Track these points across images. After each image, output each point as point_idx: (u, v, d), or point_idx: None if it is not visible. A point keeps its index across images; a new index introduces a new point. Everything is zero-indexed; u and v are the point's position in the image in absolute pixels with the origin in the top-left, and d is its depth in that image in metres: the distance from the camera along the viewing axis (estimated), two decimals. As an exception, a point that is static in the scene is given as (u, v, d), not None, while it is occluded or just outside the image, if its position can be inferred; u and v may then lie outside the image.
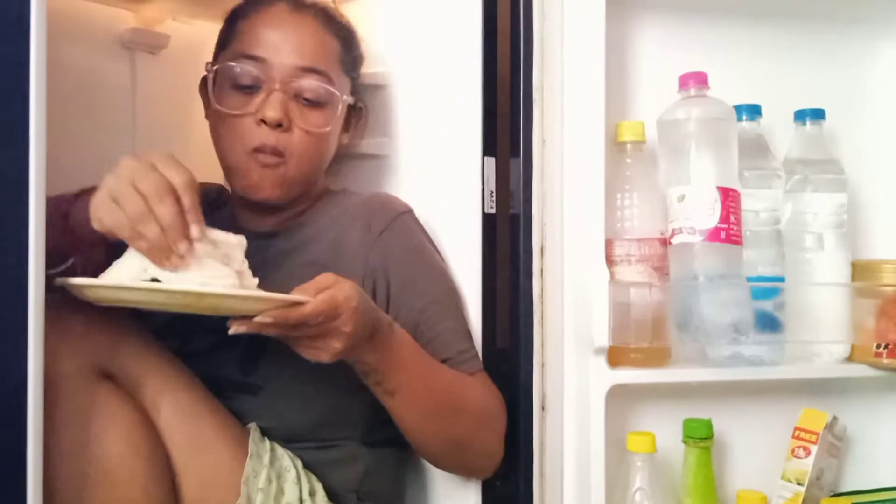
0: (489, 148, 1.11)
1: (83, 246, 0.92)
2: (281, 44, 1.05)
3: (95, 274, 0.84)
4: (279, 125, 1.03)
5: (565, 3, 1.07)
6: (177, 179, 0.83)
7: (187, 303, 0.81)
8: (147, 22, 1.39)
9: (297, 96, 1.05)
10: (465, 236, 1.11)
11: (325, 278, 0.86)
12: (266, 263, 1.06)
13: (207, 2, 1.30)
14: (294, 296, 0.82)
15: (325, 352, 0.86)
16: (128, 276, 0.83)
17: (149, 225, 0.81)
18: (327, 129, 1.07)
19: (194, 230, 0.83)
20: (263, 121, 1.03)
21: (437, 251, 1.12)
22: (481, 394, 1.03)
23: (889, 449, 1.21)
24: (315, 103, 1.06)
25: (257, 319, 0.80)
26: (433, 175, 1.18)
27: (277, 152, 1.04)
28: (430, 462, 1.06)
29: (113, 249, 0.88)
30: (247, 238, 1.10)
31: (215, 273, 0.84)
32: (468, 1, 1.11)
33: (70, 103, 1.17)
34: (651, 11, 1.16)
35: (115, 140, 1.35)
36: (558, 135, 1.07)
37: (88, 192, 0.87)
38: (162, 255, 0.82)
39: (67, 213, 0.91)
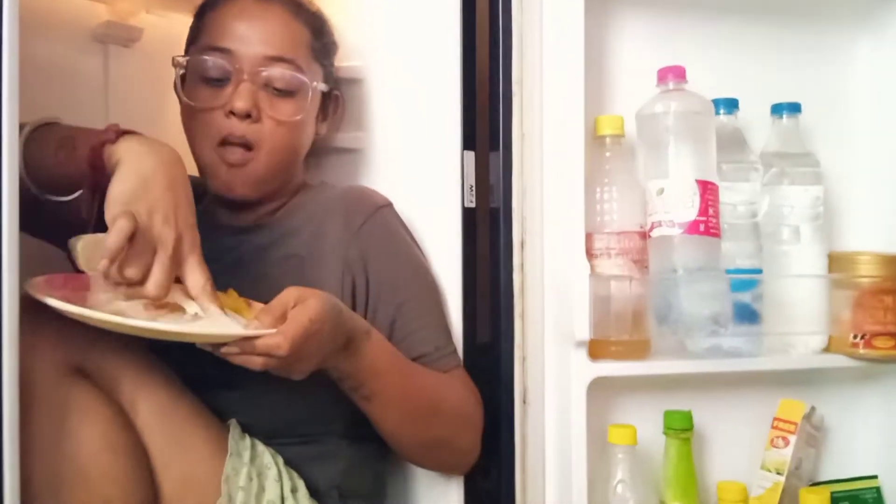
0: (468, 142, 1.11)
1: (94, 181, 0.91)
2: (248, 34, 1.04)
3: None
4: (248, 116, 1.02)
5: (544, -4, 1.07)
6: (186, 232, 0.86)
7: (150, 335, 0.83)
8: (120, 15, 1.36)
9: (267, 86, 1.04)
10: (445, 230, 1.10)
11: (289, 295, 0.85)
12: (244, 258, 1.05)
13: (181, -5, 1.28)
14: (257, 331, 0.82)
15: (295, 373, 0.86)
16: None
17: (134, 269, 0.82)
18: (298, 117, 1.06)
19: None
20: (233, 112, 1.02)
21: (417, 245, 1.11)
22: (458, 392, 1.03)
23: (866, 438, 1.23)
24: (285, 92, 1.05)
25: (223, 350, 0.81)
26: (412, 169, 1.17)
27: (247, 144, 1.03)
28: (408, 460, 1.07)
29: None
30: (224, 233, 1.10)
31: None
32: (446, -7, 1.10)
33: (42, 97, 1.15)
34: (630, 6, 1.17)
35: (88, 134, 1.33)
36: (538, 129, 1.07)
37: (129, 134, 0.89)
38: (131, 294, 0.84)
39: (101, 143, 0.89)
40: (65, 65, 1.29)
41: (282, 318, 0.83)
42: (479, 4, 1.11)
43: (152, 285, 0.82)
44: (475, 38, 1.11)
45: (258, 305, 0.90)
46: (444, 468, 1.08)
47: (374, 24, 1.24)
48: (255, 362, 0.83)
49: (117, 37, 1.36)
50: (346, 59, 1.22)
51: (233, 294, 0.93)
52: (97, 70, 1.33)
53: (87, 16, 1.32)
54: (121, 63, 1.35)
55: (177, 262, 0.85)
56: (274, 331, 0.81)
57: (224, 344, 0.82)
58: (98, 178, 0.89)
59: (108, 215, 0.82)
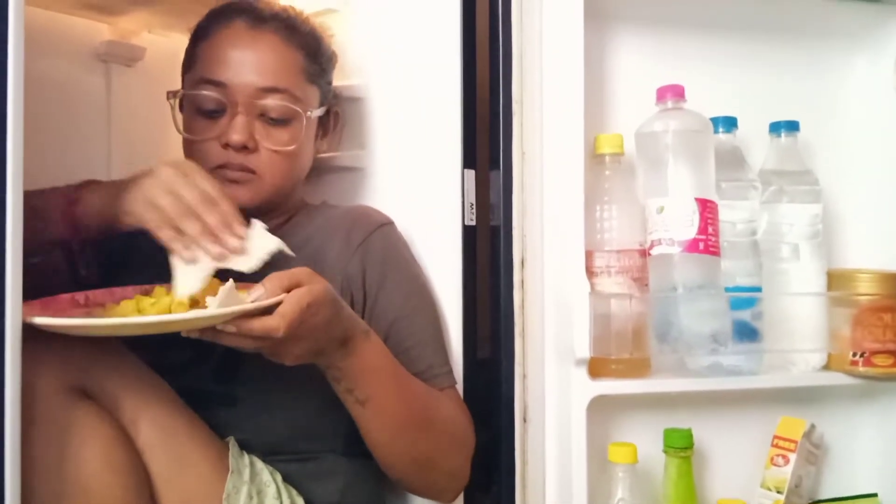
0: (469, 160, 1.11)
1: (80, 236, 0.98)
2: (240, 65, 1.04)
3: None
4: (245, 147, 1.03)
5: (544, 16, 1.08)
6: (212, 190, 0.92)
7: (136, 330, 0.84)
8: (123, 34, 1.38)
9: (262, 115, 1.05)
10: (446, 248, 1.11)
11: (300, 273, 0.85)
12: (244, 276, 1.05)
13: (183, 14, 1.29)
14: (258, 303, 0.81)
15: (286, 356, 0.86)
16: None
17: (191, 223, 0.90)
18: (292, 147, 1.06)
19: (241, 230, 0.92)
20: (229, 144, 1.03)
21: (417, 263, 1.12)
22: (450, 411, 1.03)
23: (865, 456, 1.22)
24: (280, 121, 1.06)
25: (219, 327, 0.80)
26: (413, 188, 1.18)
27: (248, 170, 1.04)
28: (396, 480, 1.04)
29: (106, 244, 0.98)
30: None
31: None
32: (447, 13, 1.11)
33: (46, 116, 1.16)
34: (629, 25, 1.18)
35: (90, 153, 1.34)
36: (538, 147, 1.08)
37: (93, 184, 0.98)
38: (211, 244, 0.91)
39: (75, 199, 0.97)
40: (67, 83, 1.30)
41: (287, 288, 0.83)
42: (479, 23, 1.12)
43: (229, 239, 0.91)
44: (475, 56, 1.12)
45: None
46: (431, 491, 1.06)
47: (375, 42, 1.25)
48: (249, 343, 0.82)
49: (120, 56, 1.37)
50: (347, 78, 1.23)
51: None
52: (100, 89, 1.34)
53: (89, 35, 1.33)
54: (123, 82, 1.36)
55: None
56: (273, 300, 0.82)
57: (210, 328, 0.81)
58: (76, 232, 0.97)
59: (129, 207, 0.91)
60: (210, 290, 0.90)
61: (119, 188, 0.94)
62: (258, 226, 0.94)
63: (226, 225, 0.91)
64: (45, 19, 1.25)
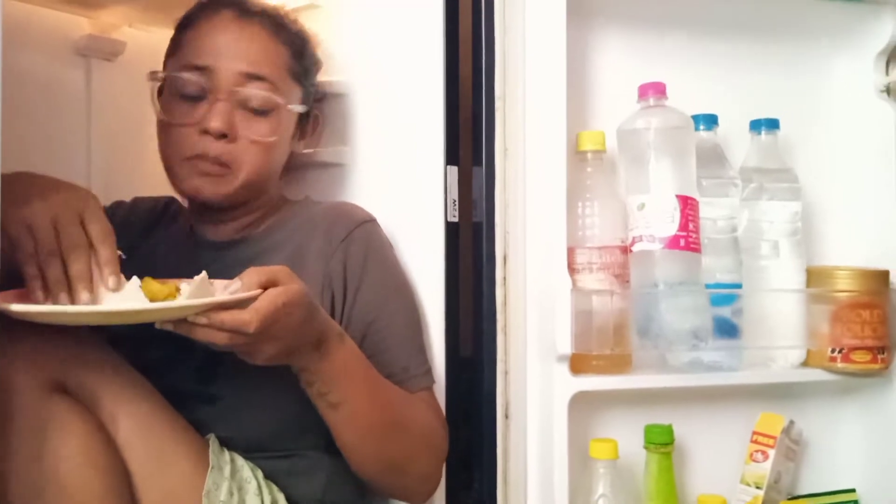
0: (452, 157, 1.11)
1: None
2: (225, 51, 1.04)
3: None
4: (224, 136, 1.02)
5: (527, 14, 1.08)
6: (96, 231, 0.86)
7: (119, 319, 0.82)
8: (103, 29, 1.37)
9: (243, 105, 1.04)
10: (429, 245, 1.11)
11: (279, 272, 0.85)
12: (224, 272, 1.05)
13: (164, 8, 1.28)
14: (237, 295, 0.81)
15: (257, 355, 0.85)
16: None
17: (53, 267, 0.83)
18: (272, 138, 1.06)
19: (112, 281, 0.85)
20: (207, 131, 1.02)
21: (399, 261, 1.11)
22: (425, 416, 1.03)
23: (844, 451, 1.23)
24: (261, 112, 1.05)
25: (190, 318, 0.79)
26: (396, 184, 1.18)
27: (222, 163, 1.03)
28: (366, 480, 1.03)
29: None
30: (204, 247, 1.09)
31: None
32: (430, 9, 1.11)
33: (24, 111, 1.15)
34: (611, 23, 1.18)
35: (69, 148, 1.33)
36: (520, 144, 1.08)
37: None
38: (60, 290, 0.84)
39: None
40: (47, 78, 1.29)
41: (265, 285, 0.83)
42: (462, 20, 1.12)
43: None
44: (458, 53, 1.12)
45: (221, 283, 0.88)
46: (402, 494, 1.06)
47: (358, 39, 1.25)
48: (221, 337, 0.81)
49: (100, 50, 1.36)
50: (330, 74, 1.22)
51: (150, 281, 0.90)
52: (79, 83, 1.33)
53: (69, 29, 1.32)
54: (103, 77, 1.35)
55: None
56: (247, 294, 0.80)
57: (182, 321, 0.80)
58: None
59: (5, 220, 0.83)
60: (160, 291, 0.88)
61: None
62: (189, 283, 0.87)
63: (85, 276, 0.85)
64: (25, 13, 1.24)
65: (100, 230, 0.86)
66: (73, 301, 0.84)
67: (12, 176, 0.86)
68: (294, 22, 1.13)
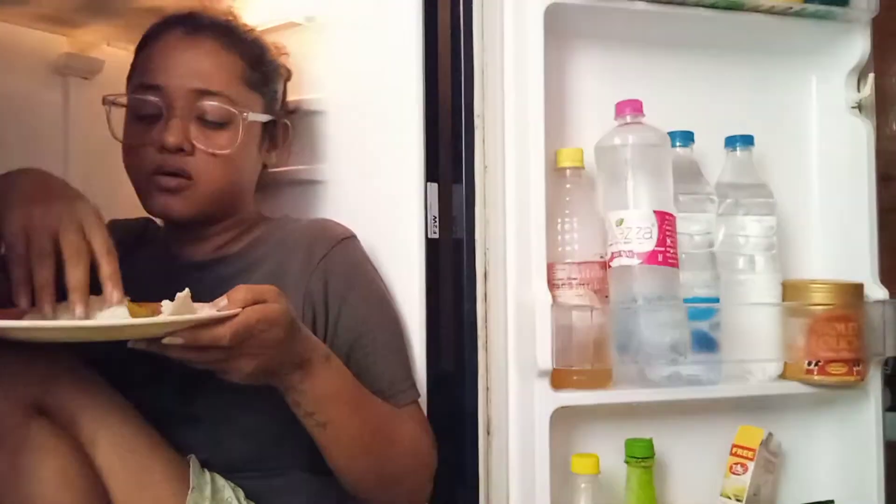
0: (431, 174, 1.11)
1: None
2: (175, 69, 1.04)
3: None
4: (181, 150, 1.03)
5: (505, 33, 1.09)
6: (99, 244, 0.84)
7: (93, 335, 0.81)
8: (81, 47, 1.36)
9: (200, 118, 1.05)
10: (409, 261, 1.11)
11: (267, 291, 0.85)
12: (204, 291, 1.04)
13: (141, 27, 1.27)
14: (221, 313, 0.80)
15: (234, 373, 0.85)
16: None
17: (45, 268, 0.81)
18: (229, 150, 1.05)
19: (116, 296, 0.84)
20: (164, 147, 1.02)
21: (380, 278, 1.11)
22: (413, 431, 1.03)
23: (822, 463, 1.25)
24: (217, 124, 1.05)
25: (165, 340, 0.78)
26: (376, 201, 1.18)
27: (183, 176, 1.03)
28: (357, 495, 1.03)
29: None
30: (183, 267, 1.09)
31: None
32: (409, 28, 1.11)
33: (1, 129, 1.14)
34: (589, 41, 1.19)
35: (47, 167, 1.31)
36: (500, 161, 1.09)
37: None
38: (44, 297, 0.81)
39: None
40: (24, 96, 1.28)
41: (251, 303, 0.82)
42: (440, 38, 1.12)
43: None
44: (437, 71, 1.12)
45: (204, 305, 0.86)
46: None
47: (338, 57, 1.25)
48: (196, 353, 0.81)
49: (78, 69, 1.35)
50: (307, 91, 1.23)
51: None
52: (57, 102, 1.33)
53: (47, 47, 1.31)
54: (81, 95, 1.35)
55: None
56: (231, 312, 0.80)
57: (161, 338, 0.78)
58: None
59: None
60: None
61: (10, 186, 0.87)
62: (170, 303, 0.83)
63: (82, 287, 0.82)
64: (1, 32, 1.23)
65: (103, 243, 0.85)
66: (55, 312, 0.81)
67: (20, 172, 0.86)
68: (249, 31, 1.14)
